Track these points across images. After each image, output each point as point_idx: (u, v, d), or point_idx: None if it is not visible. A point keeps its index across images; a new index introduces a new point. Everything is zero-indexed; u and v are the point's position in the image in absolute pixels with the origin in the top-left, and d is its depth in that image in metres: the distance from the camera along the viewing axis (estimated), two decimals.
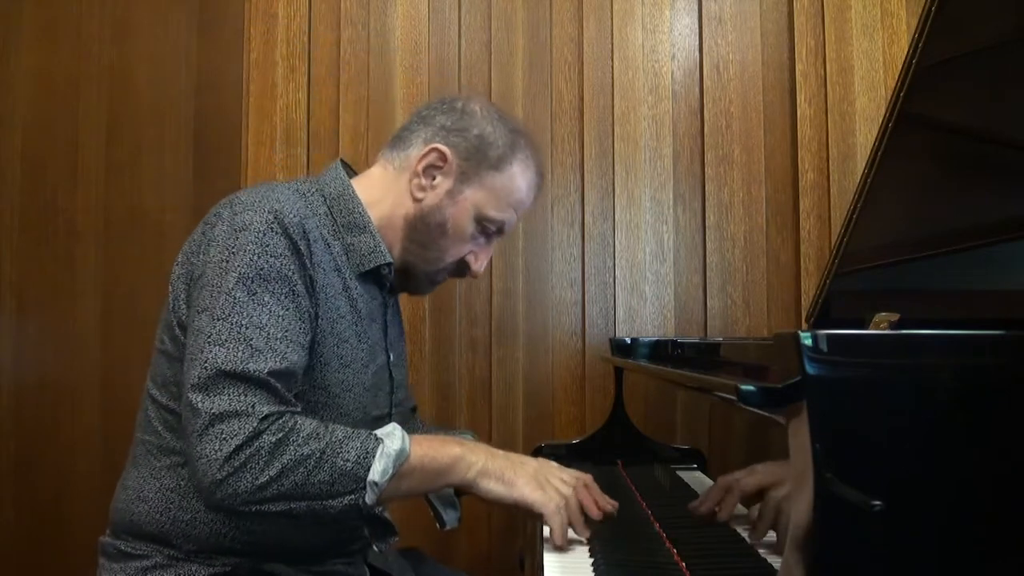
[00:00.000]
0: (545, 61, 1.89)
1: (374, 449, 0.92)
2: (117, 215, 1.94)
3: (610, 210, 1.87)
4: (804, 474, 0.58)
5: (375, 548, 1.16)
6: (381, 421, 1.13)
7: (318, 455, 0.90)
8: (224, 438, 0.88)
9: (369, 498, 0.92)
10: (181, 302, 1.02)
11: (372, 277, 1.12)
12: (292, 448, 0.90)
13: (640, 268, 1.85)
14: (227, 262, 0.95)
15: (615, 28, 1.89)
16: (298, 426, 0.92)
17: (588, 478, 1.10)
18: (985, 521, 0.61)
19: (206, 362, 0.91)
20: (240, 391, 0.90)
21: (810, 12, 1.84)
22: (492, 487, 0.97)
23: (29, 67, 2.00)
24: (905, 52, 1.00)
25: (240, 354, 0.91)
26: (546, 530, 0.99)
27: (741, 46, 1.87)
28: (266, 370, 0.92)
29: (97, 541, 1.08)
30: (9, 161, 1.99)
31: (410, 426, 1.36)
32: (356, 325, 1.08)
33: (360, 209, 1.10)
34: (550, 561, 0.93)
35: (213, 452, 0.88)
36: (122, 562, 1.03)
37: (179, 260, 1.05)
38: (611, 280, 1.86)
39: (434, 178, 1.12)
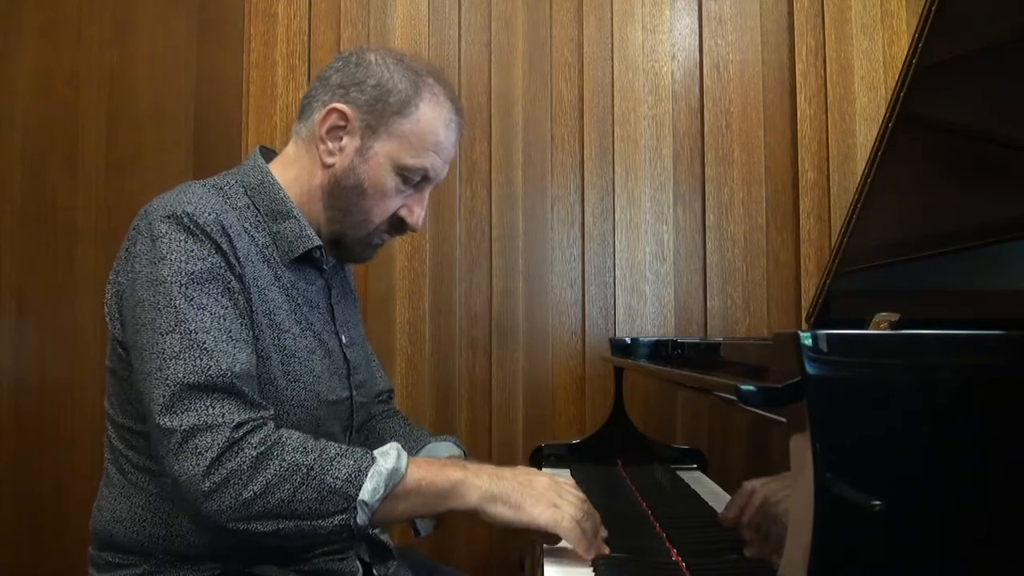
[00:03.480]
0: (545, 61, 1.89)
1: (367, 468, 0.90)
2: (117, 215, 1.94)
3: (610, 210, 1.87)
4: (804, 474, 0.58)
5: (375, 573, 1.13)
6: (340, 405, 1.11)
7: (305, 470, 0.88)
8: (200, 452, 0.86)
9: (360, 519, 0.89)
10: (117, 322, 1.00)
11: (306, 262, 1.09)
12: (276, 462, 0.88)
13: (640, 268, 1.85)
14: (155, 274, 0.93)
15: (615, 28, 1.89)
16: (283, 439, 0.90)
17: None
18: (986, 521, 0.61)
19: (167, 379, 0.89)
20: (207, 403, 0.88)
21: (810, 12, 1.84)
22: (500, 511, 0.93)
23: (29, 67, 2.00)
24: (905, 52, 1.00)
25: (199, 362, 0.89)
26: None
27: (741, 46, 1.87)
28: (228, 373, 0.90)
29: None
30: (9, 161, 1.99)
31: (386, 411, 1.34)
32: (295, 314, 1.05)
33: (281, 194, 1.07)
34: (551, 561, 0.93)
35: (192, 468, 0.86)
36: (111, 572, 1.02)
37: (110, 279, 1.03)
38: (611, 280, 1.85)
39: (340, 139, 1.07)
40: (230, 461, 0.86)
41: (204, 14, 1.96)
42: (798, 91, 1.83)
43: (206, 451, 0.86)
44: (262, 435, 0.89)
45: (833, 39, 1.82)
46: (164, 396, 0.89)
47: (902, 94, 0.99)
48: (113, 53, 1.98)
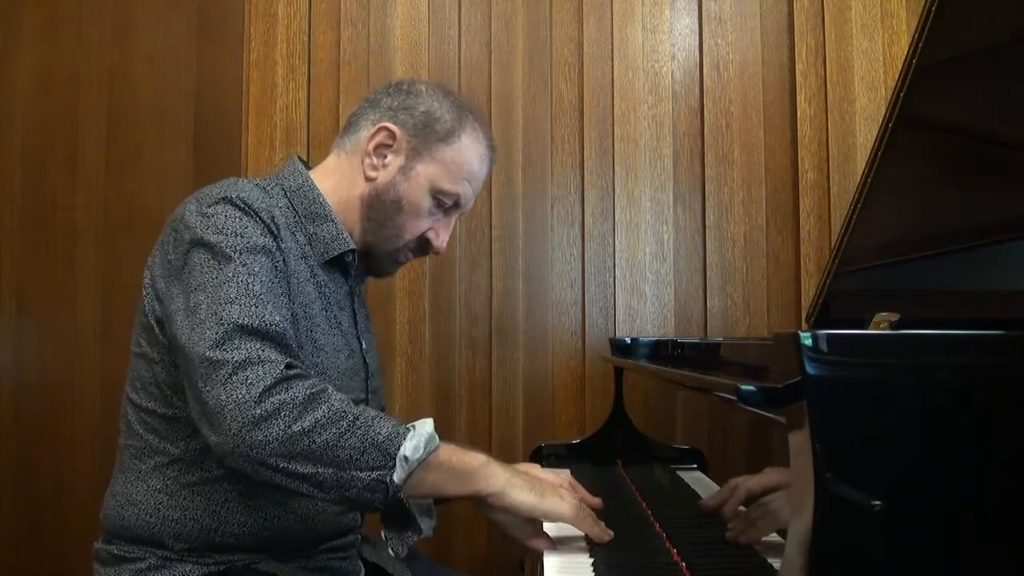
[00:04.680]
0: (545, 61, 1.89)
1: (405, 432, 0.90)
2: (117, 215, 1.94)
3: (610, 210, 1.87)
4: (804, 474, 0.58)
5: (390, 551, 1.11)
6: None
7: (351, 419, 0.88)
8: (251, 383, 0.86)
9: (398, 475, 0.88)
10: (156, 301, 1.02)
11: (336, 265, 1.14)
12: (326, 405, 0.88)
13: (640, 268, 1.85)
14: (209, 239, 0.96)
15: (615, 28, 1.89)
16: (329, 390, 0.91)
17: (567, 476, 1.09)
18: (985, 521, 0.61)
19: (221, 320, 0.89)
20: (259, 345, 0.89)
21: (810, 12, 1.84)
22: (523, 498, 0.93)
23: (29, 67, 2.00)
24: (905, 52, 1.01)
25: (254, 309, 0.91)
26: (549, 529, 0.99)
27: (741, 46, 1.87)
28: (281, 324, 0.92)
29: (92, 547, 1.08)
30: (9, 161, 1.99)
31: None
32: (326, 311, 1.10)
33: (320, 199, 1.13)
34: (550, 562, 0.93)
35: (243, 395, 0.85)
36: (116, 566, 1.03)
37: (150, 263, 1.05)
38: (611, 280, 1.85)
39: (385, 156, 1.14)
40: (283, 393, 0.86)
41: (204, 14, 1.96)
42: (798, 91, 1.83)
43: (259, 381, 0.86)
44: (311, 381, 0.90)
45: (833, 39, 1.82)
46: (217, 333, 0.89)
47: (902, 94, 0.99)
48: (113, 53, 1.98)
